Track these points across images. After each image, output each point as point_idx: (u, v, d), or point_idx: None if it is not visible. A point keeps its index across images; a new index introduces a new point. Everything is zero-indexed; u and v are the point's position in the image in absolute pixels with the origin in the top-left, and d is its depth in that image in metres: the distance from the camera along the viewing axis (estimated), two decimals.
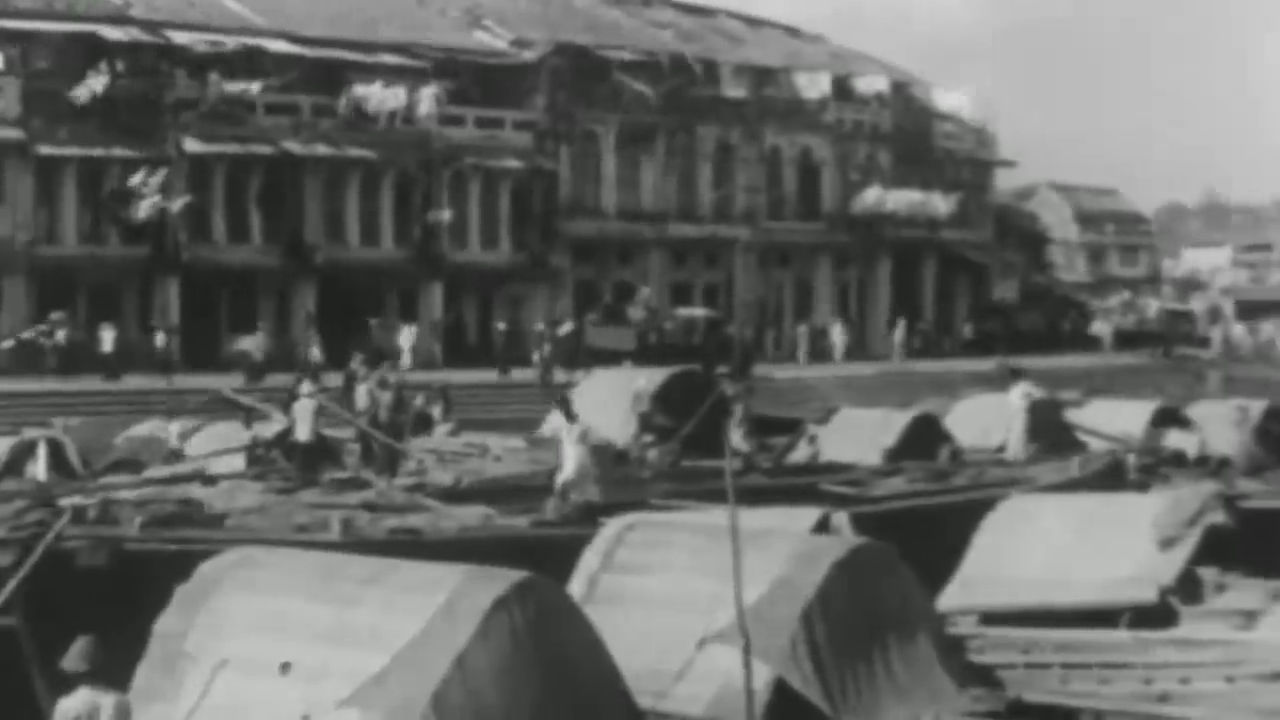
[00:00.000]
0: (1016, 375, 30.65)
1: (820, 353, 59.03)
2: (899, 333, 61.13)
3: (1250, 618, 14.88)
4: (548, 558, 12.52)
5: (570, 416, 23.08)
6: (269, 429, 28.74)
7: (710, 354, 47.38)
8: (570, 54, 58.76)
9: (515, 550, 14.13)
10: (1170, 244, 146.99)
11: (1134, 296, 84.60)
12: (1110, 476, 24.95)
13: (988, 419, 30.41)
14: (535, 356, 48.50)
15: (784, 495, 19.84)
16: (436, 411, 32.90)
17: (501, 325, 53.28)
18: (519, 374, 48.77)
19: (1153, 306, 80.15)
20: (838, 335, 60.65)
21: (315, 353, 46.35)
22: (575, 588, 12.46)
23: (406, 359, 48.08)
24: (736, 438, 27.27)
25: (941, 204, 65.28)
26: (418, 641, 9.66)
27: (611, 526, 13.80)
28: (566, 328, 52.30)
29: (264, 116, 52.45)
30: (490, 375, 48.69)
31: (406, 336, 50.86)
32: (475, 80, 57.11)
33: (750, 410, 31.40)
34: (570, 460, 22.16)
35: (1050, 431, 30.39)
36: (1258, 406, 34.26)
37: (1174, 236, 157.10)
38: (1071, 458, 26.25)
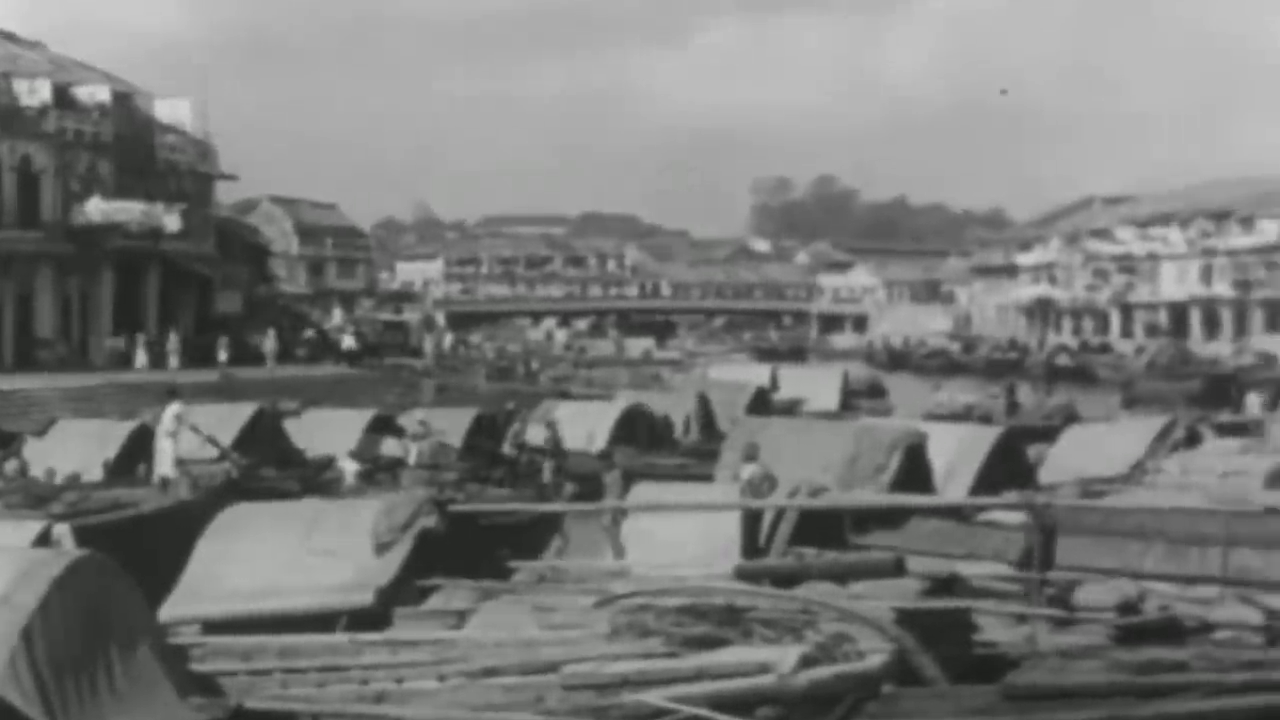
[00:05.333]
0: (171, 395, 29.83)
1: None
2: (270, 342, 61.55)
3: (461, 617, 15.66)
4: None
5: None
6: None
7: None
8: None
9: None
10: (386, 257, 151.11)
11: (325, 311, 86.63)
12: (227, 492, 24.79)
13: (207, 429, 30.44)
14: None
15: None
16: None
17: None
18: None
19: (337, 315, 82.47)
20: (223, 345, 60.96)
21: None
22: None
23: None
24: None
25: (165, 216, 64.51)
26: None
27: None
28: None
29: None
30: None
31: None
32: None
33: None
34: None
35: (267, 444, 30.85)
36: (468, 414, 35.97)
37: (390, 250, 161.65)
38: (182, 477, 26.24)
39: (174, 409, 28.08)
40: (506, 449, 31.99)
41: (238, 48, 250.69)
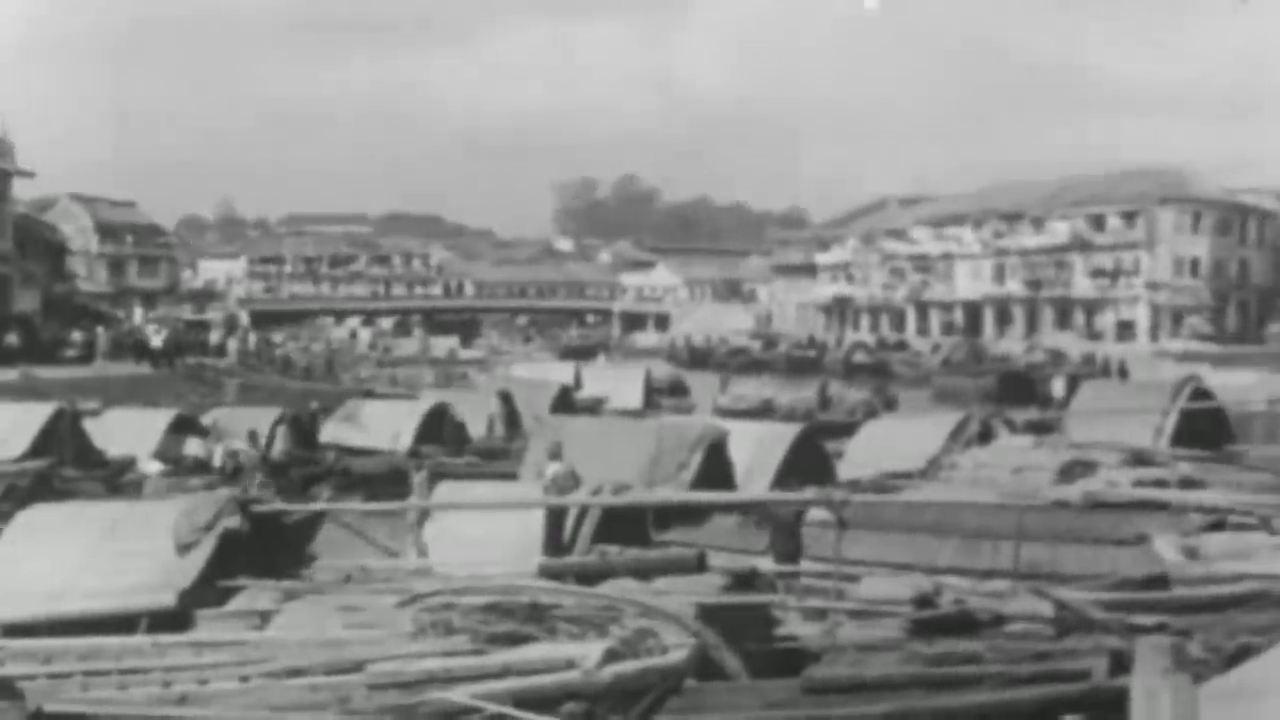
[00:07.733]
0: None
1: None
2: (102, 341, 61.36)
3: (264, 617, 15.57)
4: None
5: None
6: None
7: None
8: None
9: None
10: (189, 256, 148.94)
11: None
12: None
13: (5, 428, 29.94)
14: None
15: None
16: None
17: None
18: None
19: (138, 314, 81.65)
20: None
21: None
22: None
23: None
24: None
25: None
26: None
27: None
28: None
29: None
30: None
31: None
32: None
33: None
34: None
35: (67, 444, 30.34)
36: (271, 414, 35.60)
37: (192, 248, 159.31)
38: None
39: None
40: (272, 452, 31.55)
41: (37, 44, 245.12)
